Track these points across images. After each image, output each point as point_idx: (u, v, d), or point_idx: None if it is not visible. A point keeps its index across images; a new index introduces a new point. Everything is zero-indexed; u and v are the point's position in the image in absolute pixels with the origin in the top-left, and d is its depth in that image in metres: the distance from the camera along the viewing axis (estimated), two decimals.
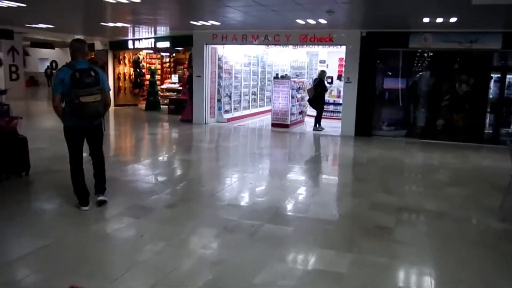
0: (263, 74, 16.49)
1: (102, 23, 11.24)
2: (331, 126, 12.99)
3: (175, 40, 14.19)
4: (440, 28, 9.95)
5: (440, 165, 7.94)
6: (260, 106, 16.42)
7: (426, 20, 8.64)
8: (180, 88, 15.59)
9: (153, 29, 13.32)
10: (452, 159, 8.50)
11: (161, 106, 17.07)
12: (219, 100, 13.36)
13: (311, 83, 13.61)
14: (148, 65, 18.58)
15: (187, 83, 13.41)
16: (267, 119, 13.95)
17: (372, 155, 8.69)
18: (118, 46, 16.80)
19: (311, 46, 13.70)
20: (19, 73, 20.99)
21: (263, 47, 15.03)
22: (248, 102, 15.42)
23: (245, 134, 11.59)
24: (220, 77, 13.27)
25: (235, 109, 14.36)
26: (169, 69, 19.55)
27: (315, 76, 16.51)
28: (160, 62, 19.44)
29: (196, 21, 10.41)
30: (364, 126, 11.13)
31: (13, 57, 20.56)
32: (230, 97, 13.98)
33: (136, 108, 17.33)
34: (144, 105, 16.96)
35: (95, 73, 4.37)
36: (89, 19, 11.34)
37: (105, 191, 4.91)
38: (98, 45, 17.55)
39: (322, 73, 12.20)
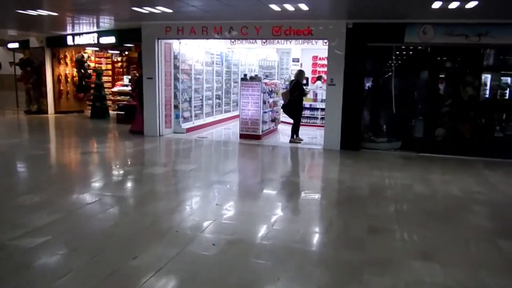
0: (228, 74, 14.37)
1: (19, 10, 8.74)
2: (309, 135, 11.04)
3: (121, 35, 11.83)
4: (444, 18, 8.15)
5: (466, 196, 6.01)
6: (226, 112, 14.29)
7: (436, 5, 6.76)
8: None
9: (94, 20, 10.91)
10: (474, 185, 6.63)
11: (111, 113, 14.66)
12: (176, 107, 11.12)
13: (286, 86, 11.62)
14: (95, 65, 16.05)
15: (136, 86, 11.12)
16: (234, 127, 11.83)
17: (372, 179, 6.71)
18: (57, 42, 14.21)
19: (284, 41, 11.73)
20: None
21: (227, 43, 12.93)
22: (212, 107, 13.25)
23: (208, 151, 9.39)
24: (176, 79, 11.04)
25: (196, 116, 12.16)
26: (121, 70, 17.03)
27: (287, 76, 14.62)
28: (110, 62, 16.92)
29: (141, 7, 8.15)
30: (352, 138, 9.21)
31: None
32: (189, 102, 11.77)
33: (81, 115, 14.78)
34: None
35: None
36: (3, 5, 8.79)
37: None
38: (34, 42, 14.87)
39: (300, 73, 10.19)
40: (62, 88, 15.11)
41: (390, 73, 9.39)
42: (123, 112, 13.01)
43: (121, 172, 7.14)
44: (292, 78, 10.59)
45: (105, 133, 11.51)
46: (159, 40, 10.30)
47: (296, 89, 9.97)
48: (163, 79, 10.55)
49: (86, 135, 11.10)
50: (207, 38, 10.23)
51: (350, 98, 9.07)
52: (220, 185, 6.17)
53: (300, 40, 12.93)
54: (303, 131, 10.72)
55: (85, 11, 9.47)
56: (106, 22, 11.15)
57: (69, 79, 15.31)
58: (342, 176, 7.27)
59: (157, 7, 8.10)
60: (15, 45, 16.32)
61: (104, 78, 15.60)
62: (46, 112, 14.72)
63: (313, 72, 14.82)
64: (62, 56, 15.01)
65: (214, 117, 13.30)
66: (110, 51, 15.68)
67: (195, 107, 12.05)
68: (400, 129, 9.47)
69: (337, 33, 8.96)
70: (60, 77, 15.03)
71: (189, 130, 11.34)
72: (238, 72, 14.95)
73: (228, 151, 9.35)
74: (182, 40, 10.82)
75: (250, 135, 10.33)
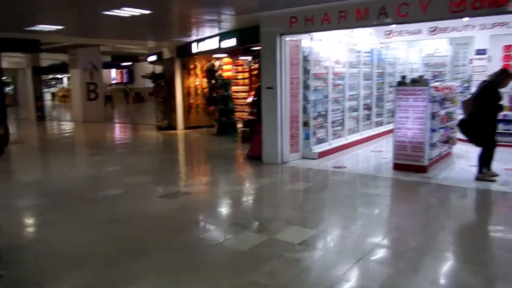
0: (381, 77, 11.01)
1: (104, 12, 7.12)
2: (506, 164, 7.04)
3: (242, 35, 9.64)
4: None
5: None
6: (377, 125, 10.95)
7: None
8: None
9: (215, 18, 8.85)
10: None
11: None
12: (305, 124, 8.36)
13: (465, 90, 7.80)
14: (231, 73, 14.33)
15: (254, 98, 8.77)
16: (387, 147, 8.48)
17: None
18: (184, 51, 12.92)
19: (464, 26, 7.96)
20: (98, 92, 18.74)
21: (380, 35, 9.67)
22: (357, 122, 10.10)
23: (344, 196, 6.17)
24: (307, 87, 8.28)
25: (334, 135, 9.19)
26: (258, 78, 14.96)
27: (465, 76, 10.50)
28: (247, 69, 15.05)
29: None
30: None
31: (91, 74, 18.41)
32: (325, 117, 8.88)
33: (209, 131, 13.19)
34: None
35: None
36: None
37: None
38: (166, 54, 13.95)
39: (502, 74, 6.37)
40: (191, 101, 13.82)
41: None
42: (247, 129, 10.82)
43: (212, 237, 4.66)
44: (484, 78, 6.75)
45: (219, 157, 9.41)
46: (282, 37, 7.69)
47: (487, 95, 6.20)
48: (287, 88, 7.91)
49: (195, 161, 9.33)
50: (347, 28, 7.31)
51: None
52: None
53: (491, 22, 8.95)
54: (497, 157, 6.73)
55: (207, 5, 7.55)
56: (227, 20, 9.03)
57: (199, 91, 13.96)
58: None
59: None
60: (153, 58, 15.85)
61: (239, 88, 13.82)
62: (176, 128, 13.58)
63: (506, 67, 10.33)
64: (192, 67, 13.73)
65: (361, 134, 10.11)
66: (241, 58, 13.78)
67: (333, 122, 9.09)
68: None
69: None
70: (189, 90, 13.77)
71: (323, 154, 8.44)
72: (394, 73, 11.45)
73: (376, 197, 6.00)
74: (314, 35, 8.03)
75: (410, 166, 6.92)
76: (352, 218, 4.99)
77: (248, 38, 9.49)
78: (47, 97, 43.03)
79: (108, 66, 29.91)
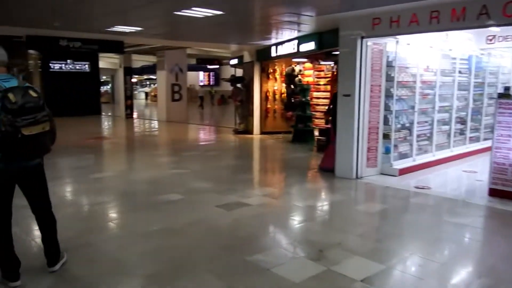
0: (480, 88, 9.72)
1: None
2: None
3: (321, 39, 9.08)
4: None
5: None
6: (472, 141, 9.68)
7: None
8: None
9: (295, 19, 8.39)
10: None
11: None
12: (386, 136, 7.56)
13: None
14: (313, 79, 13.76)
15: (330, 106, 8.15)
16: (482, 168, 7.35)
17: None
18: (264, 55, 12.65)
19: None
20: (182, 93, 19.33)
21: (481, 40, 8.51)
22: (449, 137, 8.97)
23: (430, 223, 5.29)
24: (390, 95, 7.47)
25: (419, 150, 8.23)
26: None
27: None
28: (330, 76, 14.38)
29: None
30: None
31: (177, 76, 19.04)
32: (409, 129, 7.97)
33: (284, 137, 12.75)
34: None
35: (36, 93, 3.15)
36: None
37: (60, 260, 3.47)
38: (247, 57, 13.82)
39: None
40: (269, 106, 13.52)
41: None
42: (324, 138, 10.19)
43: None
44: None
45: (289, 166, 8.94)
46: (364, 40, 6.99)
47: None
48: (367, 96, 7.19)
49: (263, 169, 8.97)
50: (439, 30, 6.37)
51: None
52: None
53: None
54: None
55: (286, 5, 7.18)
56: (306, 21, 8.52)
57: (277, 96, 13.61)
58: None
59: None
60: (235, 61, 15.87)
61: (320, 94, 13.22)
62: (252, 132, 13.36)
63: None
64: (271, 70, 13.42)
65: (451, 151, 8.97)
66: (322, 63, 13.14)
67: (418, 136, 8.15)
68: None
69: None
70: (267, 94, 13.48)
71: (404, 171, 7.56)
72: (496, 84, 10.06)
73: (466, 229, 5.00)
74: (400, 38, 7.21)
75: (510, 193, 5.84)
76: (432, 254, 4.20)
77: (327, 42, 8.90)
78: (141, 96, 45.99)
79: (196, 69, 30.95)
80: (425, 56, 8.03)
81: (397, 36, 7.09)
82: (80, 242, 4.30)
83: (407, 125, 7.94)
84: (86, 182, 7.24)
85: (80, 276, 3.57)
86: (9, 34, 9.79)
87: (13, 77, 3.18)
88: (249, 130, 13.49)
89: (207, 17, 7.48)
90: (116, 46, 11.16)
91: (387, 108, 7.49)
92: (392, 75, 7.43)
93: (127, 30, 9.51)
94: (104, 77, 38.42)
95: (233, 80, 14.15)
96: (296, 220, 5.33)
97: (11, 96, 2.98)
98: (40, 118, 3.12)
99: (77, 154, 10.06)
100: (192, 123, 18.46)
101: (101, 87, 37.90)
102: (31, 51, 17.79)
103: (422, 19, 6.14)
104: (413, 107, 7.93)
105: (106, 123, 19.85)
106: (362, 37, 6.96)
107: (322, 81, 13.59)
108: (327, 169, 7.73)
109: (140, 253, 4.08)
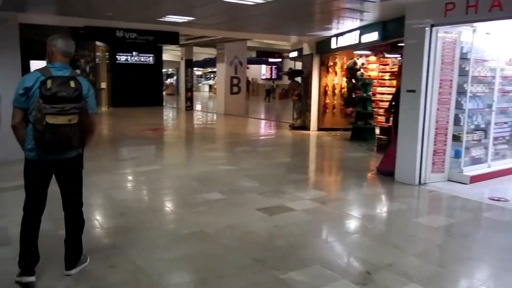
0: None
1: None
2: None
3: (385, 28, 8.24)
4: None
5: None
6: None
7: None
8: None
9: (358, 7, 7.62)
10: None
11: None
12: (456, 138, 6.64)
13: None
14: (377, 74, 12.83)
15: (392, 102, 7.35)
16: None
17: None
18: (324, 47, 11.97)
19: None
20: (241, 86, 19.11)
21: None
22: None
23: (505, 244, 4.32)
24: (462, 92, 6.54)
25: (496, 155, 7.21)
26: None
27: None
28: (397, 70, 13.31)
29: None
30: None
31: (236, 68, 18.85)
32: (484, 131, 6.97)
33: (342, 135, 12.01)
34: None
35: (76, 84, 3.06)
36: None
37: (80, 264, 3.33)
38: (306, 50, 13.19)
39: None
40: (328, 101, 12.80)
41: None
42: (385, 137, 9.36)
43: None
44: None
45: (344, 167, 8.27)
46: (434, 29, 6.14)
47: None
48: (435, 92, 6.34)
49: (315, 169, 8.39)
50: None
51: None
52: None
53: None
54: None
55: None
56: (369, 9, 7.73)
57: (336, 91, 12.85)
58: None
59: None
60: (294, 54, 15.27)
61: (384, 90, 12.26)
62: (309, 128, 12.75)
63: None
64: (331, 64, 12.67)
65: None
66: (387, 55, 12.14)
67: (495, 139, 7.12)
68: None
69: None
70: (326, 88, 12.76)
71: (477, 178, 6.61)
72: None
73: None
74: (478, 27, 6.26)
75: None
76: (505, 285, 3.44)
77: (392, 32, 8.07)
78: (205, 89, 46.72)
79: (258, 62, 30.66)
80: (508, 47, 6.96)
81: (474, 24, 6.15)
82: (105, 243, 4.05)
83: (482, 126, 6.95)
84: (130, 175, 7.12)
85: (93, 286, 3.28)
86: (69, 25, 10.01)
87: (69, 67, 3.20)
88: (306, 126, 12.90)
89: (259, 4, 6.99)
90: (172, 37, 11.05)
91: (458, 106, 6.57)
92: (467, 68, 6.49)
93: (179, 20, 9.29)
94: (170, 69, 39.50)
95: (291, 73, 13.60)
96: (344, 232, 4.73)
97: (48, 82, 2.99)
98: (68, 109, 3.01)
99: (131, 145, 10.11)
100: (250, 117, 18.16)
101: (167, 79, 38.99)
102: (98, 43, 18.52)
103: (507, 3, 5.21)
104: (490, 106, 6.93)
105: (165, 115, 20.16)
106: (432, 25, 6.12)
107: (387, 76, 12.60)
108: (386, 173, 6.98)
109: (164, 260, 3.74)
